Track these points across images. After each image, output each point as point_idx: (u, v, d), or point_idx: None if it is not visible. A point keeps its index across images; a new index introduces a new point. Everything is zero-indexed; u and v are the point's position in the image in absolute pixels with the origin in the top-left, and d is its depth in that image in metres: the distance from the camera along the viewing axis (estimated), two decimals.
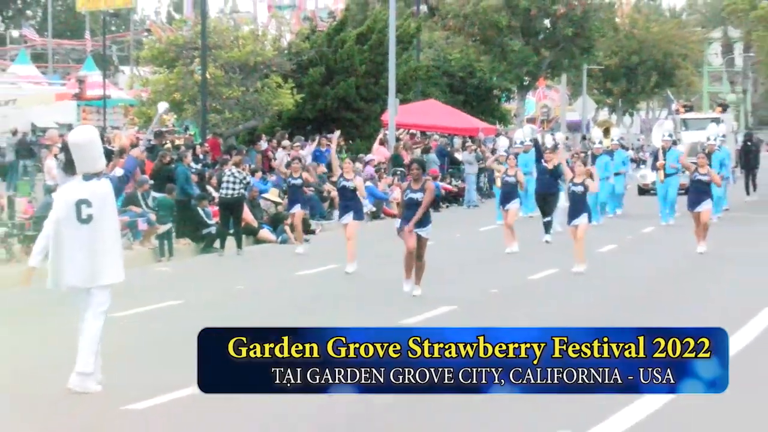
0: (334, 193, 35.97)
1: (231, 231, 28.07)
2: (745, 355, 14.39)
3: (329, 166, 34.02)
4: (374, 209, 37.77)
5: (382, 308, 18.38)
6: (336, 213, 35.31)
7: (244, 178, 28.40)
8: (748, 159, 45.79)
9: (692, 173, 26.06)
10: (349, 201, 23.29)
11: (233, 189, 27.78)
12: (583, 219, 22.44)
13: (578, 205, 22.66)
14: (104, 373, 12.11)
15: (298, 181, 27.00)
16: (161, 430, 10.66)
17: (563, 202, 29.64)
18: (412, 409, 11.66)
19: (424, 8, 68.88)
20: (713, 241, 26.28)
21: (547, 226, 28.79)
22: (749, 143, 47.17)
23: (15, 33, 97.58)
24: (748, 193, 44.46)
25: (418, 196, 18.83)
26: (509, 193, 26.88)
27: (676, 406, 11.59)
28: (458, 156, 47.83)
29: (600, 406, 11.28)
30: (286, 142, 39.10)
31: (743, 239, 30.08)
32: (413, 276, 19.14)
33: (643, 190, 45.62)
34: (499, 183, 28.75)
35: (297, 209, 27.07)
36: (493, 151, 43.90)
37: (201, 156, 34.88)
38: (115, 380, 12.78)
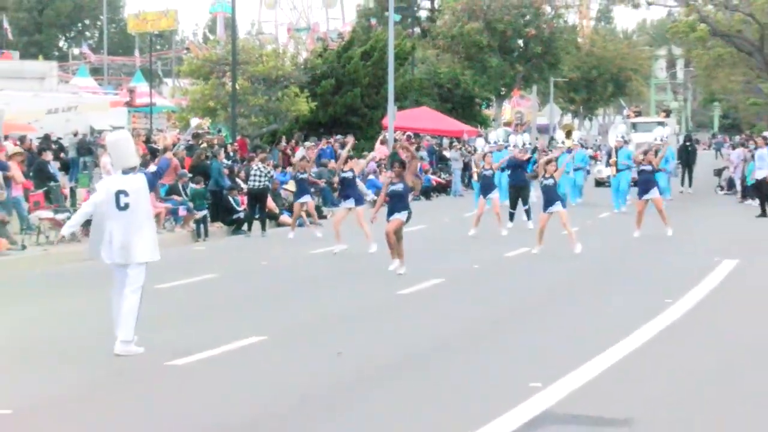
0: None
1: (257, 216, 28.08)
2: (688, 317, 14.41)
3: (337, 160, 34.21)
4: (375, 198, 37.69)
5: (382, 281, 18.34)
6: (345, 201, 35.37)
7: (268, 172, 28.45)
8: (687, 157, 44.90)
9: (638, 165, 25.84)
10: (348, 189, 23.07)
11: (259, 181, 27.86)
12: (558, 206, 22.11)
13: (550, 195, 22.30)
14: (151, 333, 12.10)
15: (304, 175, 26.88)
16: (199, 382, 10.65)
17: (533, 196, 29.55)
18: (407, 364, 11.66)
19: (417, 30, 68.88)
20: (654, 225, 26.19)
21: (512, 216, 28.32)
22: (688, 143, 46.34)
23: (76, 51, 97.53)
24: (682, 185, 43.61)
25: (398, 187, 18.84)
26: (488, 185, 26.43)
27: (634, 359, 11.59)
28: (446, 153, 47.84)
29: (565, 361, 11.28)
30: (308, 143, 39.15)
31: (680, 225, 30.02)
32: (398, 255, 18.84)
33: (599, 183, 45.34)
34: (476, 177, 28.43)
35: (307, 199, 26.68)
36: (474, 150, 43.80)
37: (231, 154, 34.84)
38: (159, 340, 12.78)
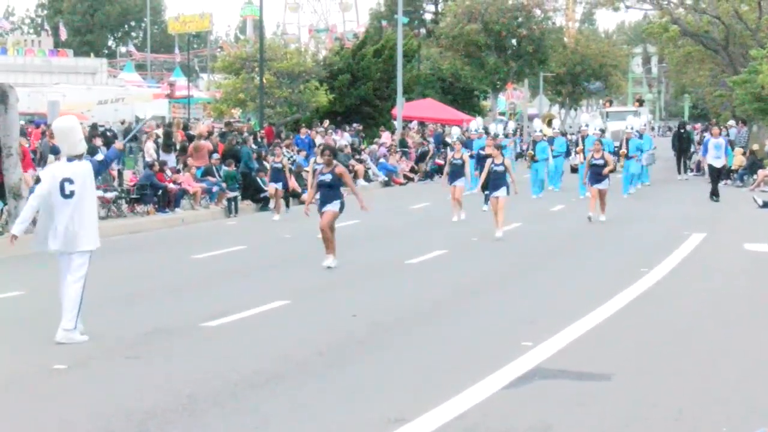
0: (359, 166, 35.94)
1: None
2: (661, 284, 14.33)
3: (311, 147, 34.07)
4: (386, 179, 37.62)
5: (390, 251, 18.27)
6: (359, 182, 35.21)
7: (292, 157, 28.36)
8: (681, 144, 41.51)
9: (589, 159, 24.09)
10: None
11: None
12: (502, 192, 20.45)
13: (498, 181, 20.68)
14: (187, 298, 12.01)
15: (279, 165, 25.75)
16: (229, 341, 10.61)
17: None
18: (414, 323, 11.61)
19: (423, 31, 68.68)
20: (628, 204, 25.93)
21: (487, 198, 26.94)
22: (682, 131, 42.73)
23: (123, 49, 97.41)
24: (679, 173, 40.56)
25: (327, 177, 16.10)
26: (456, 172, 24.40)
27: (614, 321, 11.53)
28: (448, 139, 47.63)
29: (553, 322, 11.23)
30: (320, 129, 39.05)
31: (654, 203, 29.91)
32: (331, 250, 16.18)
33: (574, 169, 43.49)
34: (447, 166, 25.52)
35: (277, 186, 25.54)
36: (445, 143, 42.20)
37: (259, 139, 34.75)
38: (195, 304, 12.75)
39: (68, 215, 10.44)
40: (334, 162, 16.35)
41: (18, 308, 12.63)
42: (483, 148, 27.31)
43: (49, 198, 10.48)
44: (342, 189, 16.50)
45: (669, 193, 32.99)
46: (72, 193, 10.45)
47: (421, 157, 41.25)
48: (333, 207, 16.15)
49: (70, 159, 10.59)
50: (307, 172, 31.21)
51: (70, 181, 10.44)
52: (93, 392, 8.48)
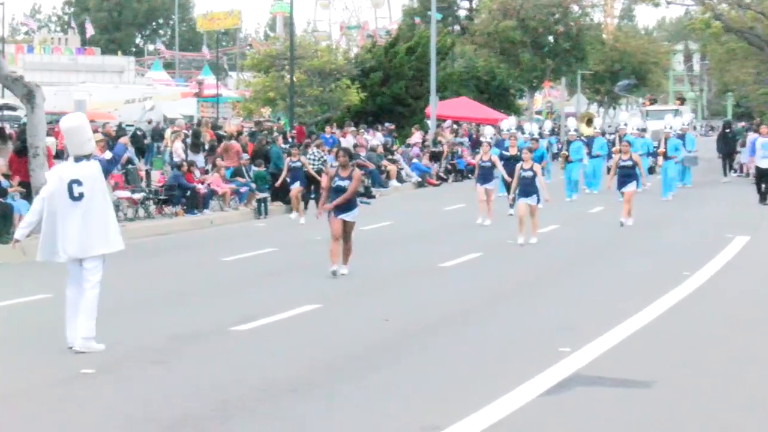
0: (391, 167, 35.95)
1: (312, 196, 27.99)
2: (704, 288, 14.23)
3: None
4: (420, 179, 37.59)
5: (424, 254, 18.24)
6: (391, 182, 35.25)
7: (322, 156, 28.39)
8: (726, 145, 40.54)
9: (616, 161, 23.48)
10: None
11: (314, 164, 27.74)
12: (533, 200, 19.92)
13: (528, 187, 19.87)
14: (217, 301, 11.98)
15: (298, 164, 25.64)
16: (259, 345, 10.64)
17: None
18: (446, 328, 11.59)
19: (457, 28, 68.65)
20: (671, 207, 25.66)
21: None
22: (727, 131, 41.68)
23: (151, 47, 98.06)
24: (725, 174, 39.47)
25: (344, 183, 15.44)
26: (486, 175, 23.87)
27: (655, 326, 11.47)
28: (482, 140, 47.48)
29: (591, 327, 11.17)
30: (352, 129, 39.07)
31: (696, 205, 29.72)
32: (340, 258, 15.59)
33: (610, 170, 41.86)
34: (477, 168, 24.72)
35: (296, 186, 25.46)
36: (479, 142, 41.14)
37: (290, 139, 34.81)
38: (225, 308, 12.80)
39: (79, 218, 10.04)
40: (351, 165, 15.78)
41: (45, 311, 12.72)
42: (507, 149, 26.67)
43: (53, 201, 10.11)
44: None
45: (712, 195, 32.70)
46: (81, 196, 10.06)
47: (433, 158, 40.74)
48: (351, 216, 15.62)
49: (77, 159, 10.18)
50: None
51: (79, 183, 10.06)
52: (122, 397, 8.53)
